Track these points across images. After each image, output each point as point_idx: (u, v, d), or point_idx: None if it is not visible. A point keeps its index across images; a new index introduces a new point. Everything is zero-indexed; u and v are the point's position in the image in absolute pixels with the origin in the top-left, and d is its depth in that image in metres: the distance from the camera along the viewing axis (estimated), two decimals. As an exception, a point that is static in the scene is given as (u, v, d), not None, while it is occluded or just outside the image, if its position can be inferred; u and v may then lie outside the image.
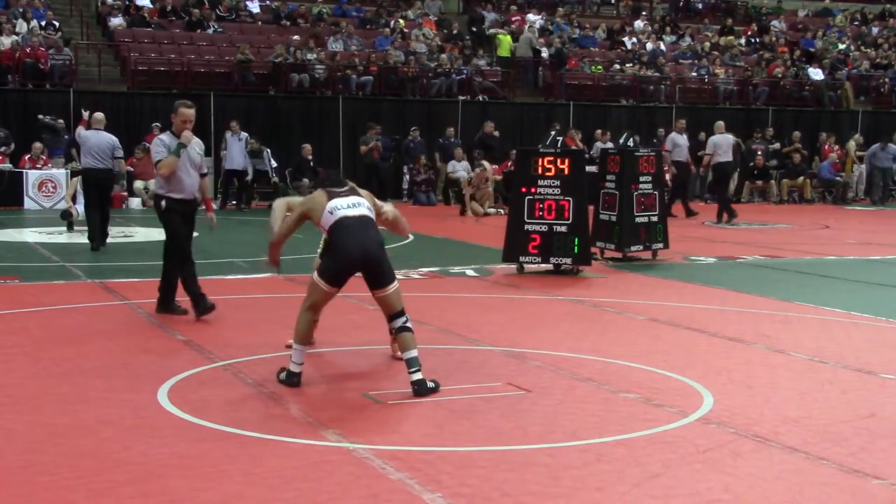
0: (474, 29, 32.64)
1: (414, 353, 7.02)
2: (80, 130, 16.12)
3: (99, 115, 15.71)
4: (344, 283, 7.21)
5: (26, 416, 6.35)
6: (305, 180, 24.65)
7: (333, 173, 7.70)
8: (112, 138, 15.51)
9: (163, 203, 9.90)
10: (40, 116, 23.55)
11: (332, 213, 7.09)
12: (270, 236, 7.67)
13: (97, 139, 15.25)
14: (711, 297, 11.54)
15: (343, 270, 7.11)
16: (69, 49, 26.03)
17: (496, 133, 26.20)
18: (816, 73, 33.10)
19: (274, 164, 24.28)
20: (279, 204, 7.90)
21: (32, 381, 7.27)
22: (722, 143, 21.64)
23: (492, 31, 31.32)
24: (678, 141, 22.76)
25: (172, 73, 26.54)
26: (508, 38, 30.65)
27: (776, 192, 28.05)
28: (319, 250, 7.79)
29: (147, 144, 23.77)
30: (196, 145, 9.99)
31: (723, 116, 30.18)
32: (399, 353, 7.28)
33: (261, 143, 24.20)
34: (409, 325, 7.11)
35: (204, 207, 10.44)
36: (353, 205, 7.17)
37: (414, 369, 6.99)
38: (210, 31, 28.74)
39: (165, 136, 9.99)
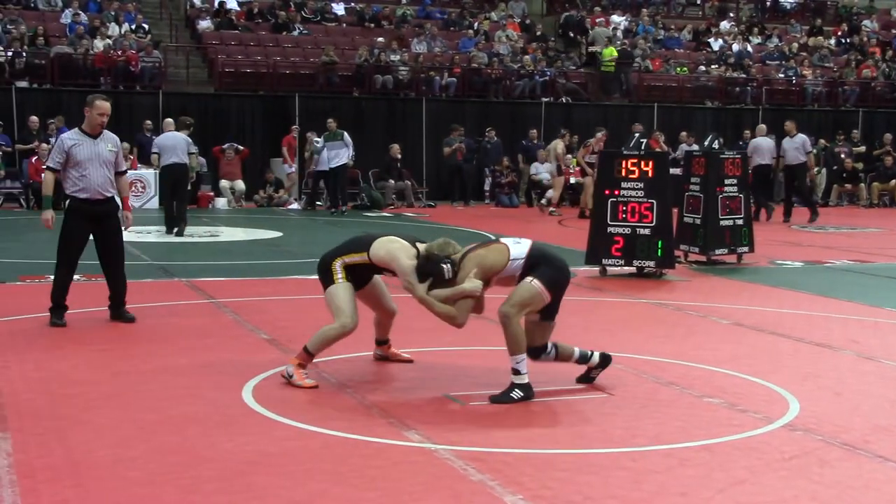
0: (561, 31, 32.45)
1: (576, 348, 7.32)
2: (157, 138, 18.62)
3: (169, 119, 18.75)
4: None
5: (115, 412, 6.48)
6: (390, 181, 24.80)
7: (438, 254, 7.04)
8: (185, 137, 17.67)
9: (67, 202, 9.52)
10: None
11: (519, 243, 7.02)
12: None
13: (173, 140, 17.60)
14: (798, 302, 11.35)
15: (564, 286, 7.12)
16: (159, 51, 26.50)
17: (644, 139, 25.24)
18: (910, 74, 32.42)
19: (352, 150, 22.84)
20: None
21: (121, 377, 7.42)
22: (761, 146, 21.44)
23: (594, 48, 30.63)
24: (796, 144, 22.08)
25: (258, 74, 26.88)
26: (612, 49, 30.21)
27: (866, 195, 27.50)
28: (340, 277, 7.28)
29: (237, 145, 24.13)
30: (110, 142, 9.58)
31: (811, 118, 29.91)
32: (571, 360, 7.30)
33: (338, 126, 22.92)
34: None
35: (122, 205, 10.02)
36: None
37: (589, 353, 7.32)
38: (295, 32, 29.06)
39: (71, 135, 9.53)
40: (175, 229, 17.37)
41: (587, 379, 7.39)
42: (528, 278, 6.94)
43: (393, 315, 7.87)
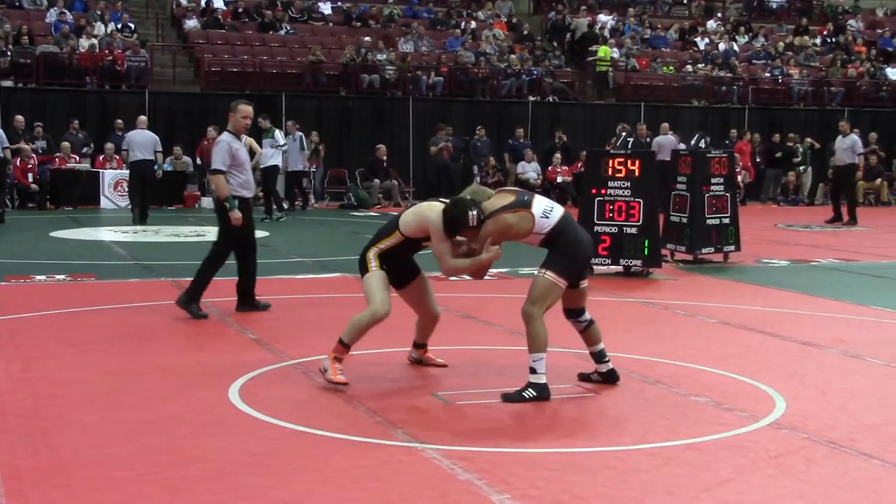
0: (549, 37, 32.40)
1: (602, 344, 7.26)
2: (128, 134, 20.16)
3: (143, 117, 20.36)
4: None
5: (102, 411, 6.47)
6: (377, 181, 24.79)
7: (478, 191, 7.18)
8: (153, 135, 19.47)
9: (237, 202, 9.94)
10: None
11: (547, 217, 6.94)
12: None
13: (142, 137, 19.25)
14: (784, 301, 11.38)
15: (582, 266, 7.15)
16: (145, 51, 26.43)
17: (648, 139, 24.36)
18: (895, 73, 32.50)
19: (280, 143, 20.59)
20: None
21: (108, 377, 7.40)
22: (663, 144, 21.64)
23: (592, 49, 30.46)
24: (842, 145, 21.68)
25: (245, 73, 26.82)
26: (607, 49, 30.17)
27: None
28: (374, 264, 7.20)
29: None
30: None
31: (797, 117, 30.00)
32: (590, 346, 7.31)
33: (272, 124, 20.91)
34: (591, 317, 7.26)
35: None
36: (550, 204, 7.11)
37: (606, 359, 7.24)
38: (282, 32, 29.01)
39: (231, 138, 9.93)
40: (139, 220, 19.05)
41: (587, 378, 7.37)
42: (542, 270, 6.97)
43: (436, 319, 7.69)
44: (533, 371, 6.87)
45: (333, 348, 7.16)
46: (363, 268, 7.30)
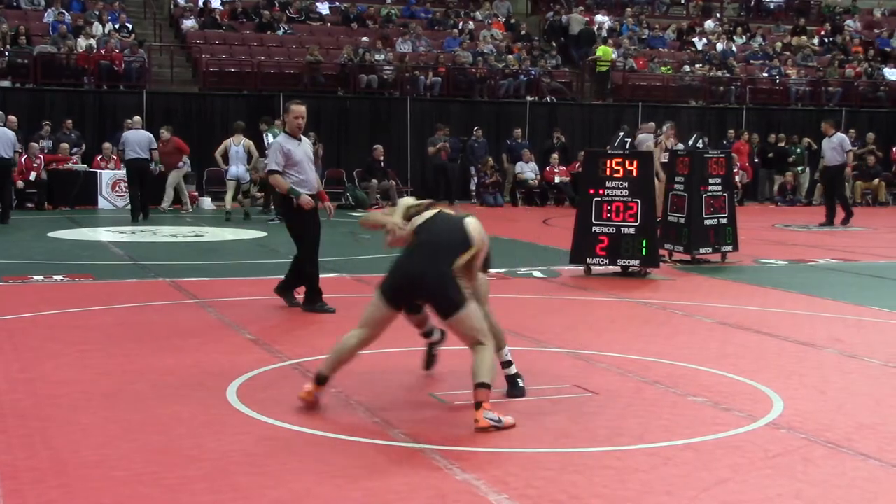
0: (546, 37, 32.40)
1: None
2: (124, 134, 20.60)
3: (137, 118, 21.21)
4: None
5: (101, 412, 6.47)
6: (374, 181, 24.79)
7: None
8: (148, 134, 20.24)
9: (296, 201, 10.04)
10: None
11: None
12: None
13: (136, 136, 19.92)
14: (782, 301, 11.39)
15: None
16: (143, 51, 26.41)
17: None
18: (893, 74, 32.52)
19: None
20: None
21: (106, 378, 7.40)
22: (646, 142, 21.72)
23: (593, 55, 30.33)
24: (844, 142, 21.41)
25: (243, 74, 26.81)
26: (607, 49, 30.12)
27: (849, 193, 27.56)
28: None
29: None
30: (307, 143, 10.30)
31: (794, 118, 30.02)
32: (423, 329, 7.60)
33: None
34: None
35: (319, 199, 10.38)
36: None
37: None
38: (280, 32, 29.01)
39: (285, 139, 10.07)
40: (139, 216, 19.61)
41: (430, 358, 7.65)
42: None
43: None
44: (510, 363, 7.12)
45: (480, 395, 6.19)
46: (458, 294, 6.39)
